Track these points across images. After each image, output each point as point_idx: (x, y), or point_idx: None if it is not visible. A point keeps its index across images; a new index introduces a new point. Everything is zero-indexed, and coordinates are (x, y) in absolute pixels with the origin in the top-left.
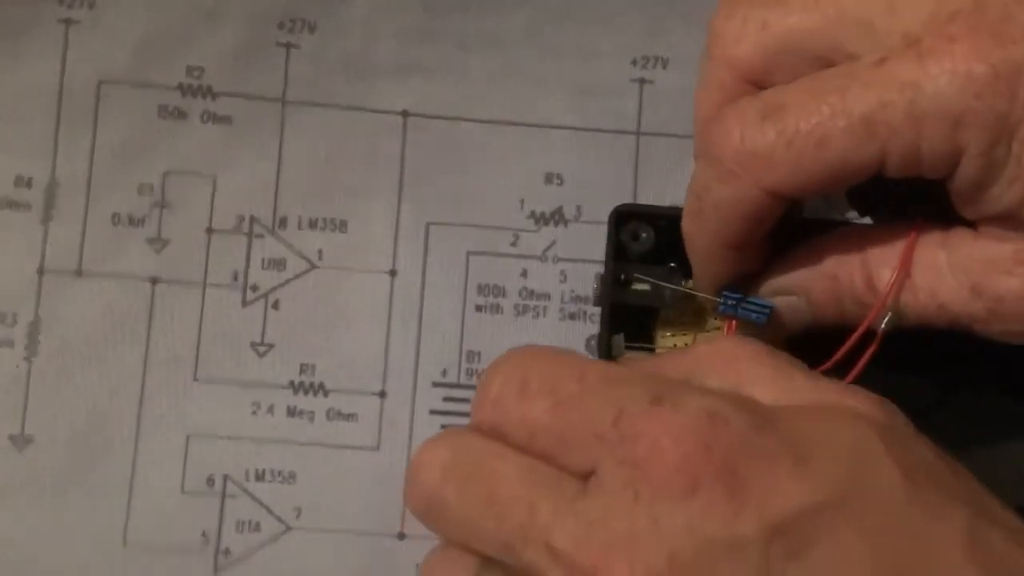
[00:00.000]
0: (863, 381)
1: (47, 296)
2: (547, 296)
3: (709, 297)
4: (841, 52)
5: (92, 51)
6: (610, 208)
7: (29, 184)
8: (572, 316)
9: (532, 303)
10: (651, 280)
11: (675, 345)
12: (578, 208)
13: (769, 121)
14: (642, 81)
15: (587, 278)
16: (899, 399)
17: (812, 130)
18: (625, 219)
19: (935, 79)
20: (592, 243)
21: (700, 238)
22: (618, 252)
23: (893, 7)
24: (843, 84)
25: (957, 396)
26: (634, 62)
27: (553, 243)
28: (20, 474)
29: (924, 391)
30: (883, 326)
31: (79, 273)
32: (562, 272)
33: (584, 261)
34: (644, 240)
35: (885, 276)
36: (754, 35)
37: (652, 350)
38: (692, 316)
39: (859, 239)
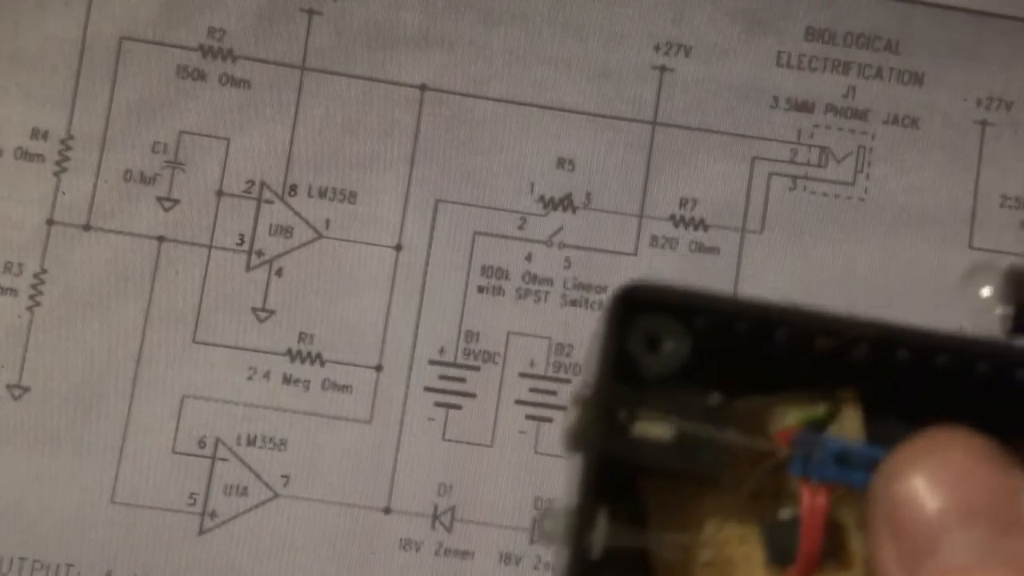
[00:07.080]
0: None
1: (54, 248)
2: (549, 281)
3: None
4: None
5: (116, 6)
6: (620, 196)
7: (45, 136)
8: (574, 303)
9: (534, 287)
10: (679, 420)
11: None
12: (587, 195)
13: None
14: (663, 69)
15: (592, 266)
16: None
17: None
18: (634, 310)
19: None
20: (599, 231)
21: None
22: (620, 368)
23: None
24: None
25: None
26: (657, 47)
27: (560, 229)
28: (13, 423)
29: None
30: None
31: (87, 227)
32: (567, 259)
33: (590, 249)
34: (670, 354)
35: None
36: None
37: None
38: (738, 487)
39: None
